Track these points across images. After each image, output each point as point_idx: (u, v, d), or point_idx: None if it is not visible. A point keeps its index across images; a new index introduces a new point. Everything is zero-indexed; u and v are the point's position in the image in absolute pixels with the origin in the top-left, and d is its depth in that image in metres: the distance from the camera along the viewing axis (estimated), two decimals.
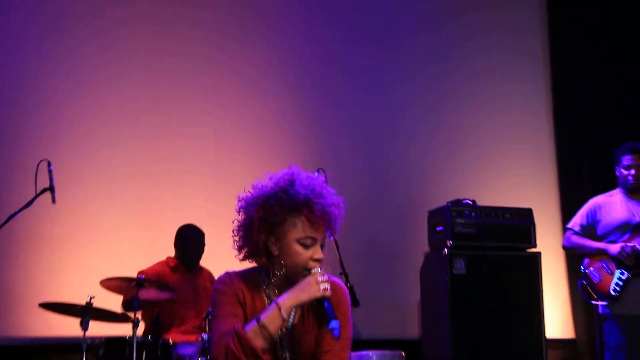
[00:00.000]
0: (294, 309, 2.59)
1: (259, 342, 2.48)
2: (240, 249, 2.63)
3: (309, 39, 6.87)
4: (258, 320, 2.49)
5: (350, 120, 6.80)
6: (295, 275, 2.57)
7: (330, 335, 2.53)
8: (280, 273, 2.61)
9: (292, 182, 2.57)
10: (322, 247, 2.60)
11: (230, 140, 6.40)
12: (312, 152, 6.46)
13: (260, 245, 2.59)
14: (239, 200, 2.63)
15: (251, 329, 2.49)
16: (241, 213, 2.62)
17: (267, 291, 2.63)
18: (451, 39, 7.18)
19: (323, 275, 2.53)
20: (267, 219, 2.55)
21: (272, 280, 2.63)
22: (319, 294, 2.50)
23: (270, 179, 2.61)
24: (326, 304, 2.50)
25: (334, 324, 2.46)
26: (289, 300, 2.51)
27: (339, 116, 6.78)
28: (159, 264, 5.41)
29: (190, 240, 5.45)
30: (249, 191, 2.62)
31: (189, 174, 6.25)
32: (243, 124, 6.47)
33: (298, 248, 2.54)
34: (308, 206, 2.52)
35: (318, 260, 2.56)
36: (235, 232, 2.64)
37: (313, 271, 2.54)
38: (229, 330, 2.50)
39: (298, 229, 2.54)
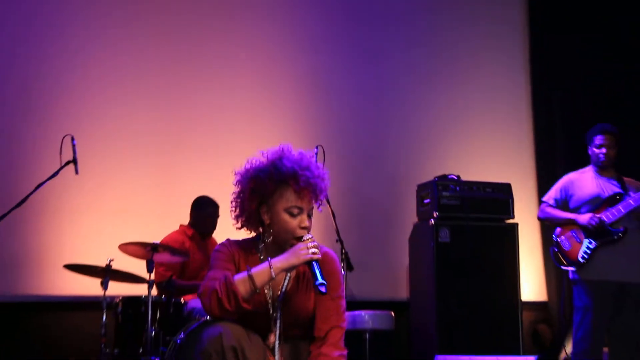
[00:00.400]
0: (288, 274, 2.66)
1: (242, 290, 2.49)
2: (237, 218, 2.71)
3: (307, 18, 6.84)
4: (248, 271, 2.54)
5: (347, 101, 6.79)
6: (284, 242, 2.62)
7: (326, 295, 2.59)
8: (272, 240, 2.67)
9: (280, 157, 2.62)
10: (309, 216, 2.64)
11: (235, 117, 6.39)
12: (312, 129, 6.47)
13: (253, 215, 2.67)
14: (235, 174, 2.69)
15: (240, 277, 2.53)
16: (237, 185, 2.68)
17: (261, 257, 2.68)
18: (441, 22, 7.15)
19: (313, 242, 2.57)
20: (258, 190, 2.62)
21: (263, 247, 2.69)
22: (307, 258, 2.53)
23: (263, 154, 2.68)
24: (315, 265, 2.54)
25: (320, 281, 2.50)
26: (280, 262, 2.54)
27: (337, 97, 6.76)
28: (176, 232, 5.42)
29: (205, 210, 5.44)
30: (244, 166, 2.69)
31: (204, 147, 6.24)
32: (246, 103, 6.46)
33: (286, 217, 2.60)
34: (294, 178, 2.57)
35: (305, 228, 2.61)
36: (232, 203, 2.71)
37: (304, 238, 2.59)
38: (219, 275, 2.55)
39: (285, 199, 2.60)
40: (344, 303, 2.69)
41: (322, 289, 2.50)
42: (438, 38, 7.13)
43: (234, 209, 2.70)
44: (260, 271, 2.53)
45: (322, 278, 2.50)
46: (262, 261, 2.63)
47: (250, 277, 2.51)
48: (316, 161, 2.70)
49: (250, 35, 6.60)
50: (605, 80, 6.94)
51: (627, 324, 5.06)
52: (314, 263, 2.54)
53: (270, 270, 2.52)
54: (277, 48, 6.67)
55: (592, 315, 5.01)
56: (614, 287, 5.03)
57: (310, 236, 2.60)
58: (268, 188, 2.61)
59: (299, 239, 2.60)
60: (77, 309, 5.70)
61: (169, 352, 4.35)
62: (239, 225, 2.72)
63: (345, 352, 2.62)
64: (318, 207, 2.71)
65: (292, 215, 2.60)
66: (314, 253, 2.54)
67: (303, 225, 2.61)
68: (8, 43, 5.99)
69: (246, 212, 2.67)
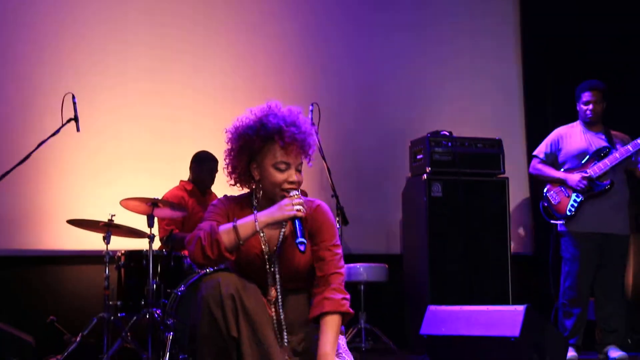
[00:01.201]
0: (282, 230, 2.68)
1: (226, 240, 2.50)
2: (229, 175, 2.72)
3: None
4: (234, 222, 2.54)
5: (342, 58, 6.74)
6: (274, 197, 2.62)
7: (321, 247, 2.64)
8: (262, 196, 2.68)
9: (267, 114, 2.62)
10: (298, 171, 2.64)
11: (233, 74, 6.34)
12: (308, 87, 6.45)
13: (243, 172, 2.68)
14: (225, 132, 2.69)
15: (225, 228, 2.53)
16: (228, 143, 2.69)
17: (254, 213, 2.64)
18: None
19: (299, 198, 2.56)
20: (246, 148, 2.63)
21: (256, 203, 2.70)
22: (291, 214, 2.52)
23: (251, 112, 2.66)
24: (297, 222, 2.53)
25: (300, 240, 2.49)
26: (265, 216, 2.54)
27: (332, 54, 6.71)
28: (176, 188, 5.42)
29: (205, 165, 5.43)
30: (233, 124, 2.68)
31: (204, 103, 6.21)
32: (243, 61, 6.42)
33: (274, 172, 2.60)
34: (280, 134, 2.57)
35: (293, 183, 2.61)
36: (224, 160, 2.72)
37: (291, 194, 2.58)
38: (206, 226, 2.56)
39: (272, 155, 2.60)
40: (340, 250, 2.69)
41: (302, 247, 2.49)
42: None
43: (226, 166, 2.72)
44: (245, 223, 2.53)
45: (302, 236, 2.50)
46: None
47: (235, 228, 2.52)
48: (305, 117, 2.67)
49: None
50: (596, 35, 6.90)
51: (612, 274, 5.15)
52: (297, 220, 2.53)
53: (255, 223, 2.52)
54: (273, 6, 6.60)
55: (579, 266, 5.10)
56: (600, 238, 5.11)
57: (297, 193, 2.59)
58: (256, 145, 2.61)
59: (287, 192, 2.60)
60: (81, 263, 5.74)
61: (170, 304, 4.43)
62: (232, 181, 2.73)
63: (348, 295, 2.62)
64: (308, 162, 2.70)
65: (280, 170, 2.60)
66: (298, 210, 2.53)
67: (290, 179, 2.60)
68: (8, 1, 5.94)
69: (237, 169, 2.68)
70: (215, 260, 2.51)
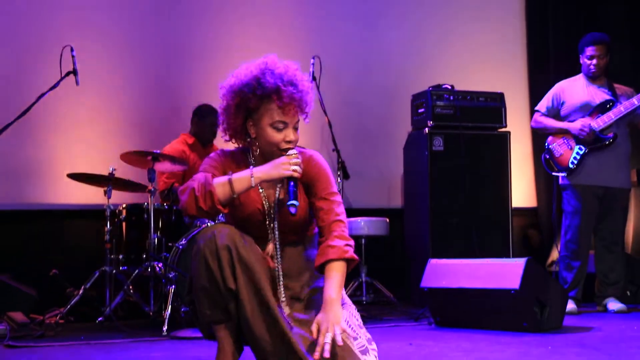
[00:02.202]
0: (278, 185, 2.65)
1: (219, 192, 2.47)
2: (225, 131, 2.68)
3: None
4: (230, 175, 2.52)
5: (344, 11, 6.69)
6: (270, 155, 2.60)
7: (319, 197, 2.62)
8: (259, 153, 2.65)
9: (264, 72, 2.56)
10: (295, 129, 2.60)
11: (233, 27, 6.26)
12: (309, 40, 6.38)
13: (239, 129, 2.64)
14: (220, 88, 2.64)
15: (220, 180, 2.51)
16: (222, 99, 2.64)
17: (250, 168, 2.60)
18: None
19: (297, 158, 2.53)
20: (243, 106, 2.58)
21: (252, 160, 2.68)
22: (287, 174, 2.50)
23: (247, 68, 2.60)
24: (291, 184, 2.51)
25: (291, 202, 2.48)
26: (261, 172, 2.51)
27: (334, 9, 6.65)
28: (177, 141, 5.40)
29: (206, 118, 5.39)
30: (227, 80, 2.63)
31: (204, 56, 6.16)
32: (244, 13, 6.34)
33: (271, 131, 2.57)
34: (277, 93, 2.53)
35: (290, 142, 2.58)
36: (220, 116, 2.68)
37: (289, 152, 2.55)
38: (201, 177, 2.53)
39: (270, 115, 2.55)
40: (338, 198, 2.67)
41: (292, 210, 2.49)
42: None
43: (221, 122, 2.67)
44: (240, 177, 2.50)
45: (295, 198, 2.49)
46: None
47: (230, 181, 2.49)
48: (302, 74, 2.61)
49: None
50: None
51: (613, 227, 5.14)
52: (292, 182, 2.51)
53: (250, 178, 2.50)
54: None
55: (580, 218, 5.09)
56: (601, 191, 5.09)
57: (295, 152, 2.56)
58: (252, 103, 2.56)
59: (284, 152, 2.57)
60: (82, 217, 5.75)
61: (172, 257, 4.45)
62: (227, 137, 2.69)
63: (351, 242, 2.59)
64: (305, 119, 2.66)
65: (277, 130, 2.56)
66: (294, 170, 2.51)
67: (288, 139, 2.57)
68: None
69: (233, 126, 2.64)
70: (208, 211, 2.48)
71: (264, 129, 2.58)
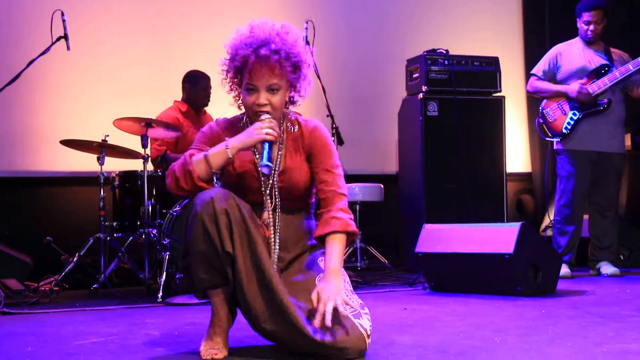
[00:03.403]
0: (279, 152, 2.64)
1: (198, 170, 2.51)
2: (234, 98, 2.70)
3: None
4: (206, 152, 2.54)
5: None
6: (253, 120, 2.60)
7: (321, 169, 2.62)
8: (247, 119, 2.67)
9: (241, 36, 2.56)
10: (273, 91, 2.55)
11: None
12: (302, 5, 6.32)
13: (237, 94, 2.67)
14: (222, 62, 2.65)
15: (197, 158, 2.53)
16: (222, 66, 2.65)
17: (226, 139, 2.60)
18: None
19: (270, 122, 2.52)
20: (231, 72, 2.62)
21: (241, 126, 2.67)
22: (260, 138, 2.50)
23: (237, 32, 2.60)
24: (264, 146, 2.51)
25: (264, 163, 2.49)
26: (236, 142, 2.52)
27: None
28: (170, 109, 5.31)
29: (197, 84, 5.33)
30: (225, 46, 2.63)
31: (195, 21, 6.11)
32: None
33: (245, 95, 2.58)
34: (248, 57, 2.52)
35: (260, 105, 2.55)
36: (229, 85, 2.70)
37: (262, 117, 2.54)
38: (183, 156, 2.57)
39: (244, 78, 2.57)
40: (340, 171, 2.68)
41: (265, 170, 2.52)
42: None
43: (228, 88, 2.69)
44: (216, 152, 2.53)
45: (269, 160, 2.49)
46: None
47: (206, 157, 2.52)
48: (286, 37, 2.56)
49: None
50: None
51: (607, 192, 5.15)
52: (266, 144, 2.51)
53: (227, 150, 2.51)
54: None
55: (574, 183, 5.09)
56: (595, 156, 5.09)
57: (268, 116, 2.55)
58: (236, 69, 2.59)
59: (259, 117, 2.56)
60: (75, 184, 5.74)
61: (166, 224, 4.43)
62: (235, 105, 2.71)
63: (352, 216, 2.62)
64: (293, 91, 2.63)
65: (250, 92, 2.56)
66: (267, 133, 2.50)
67: (257, 102, 2.55)
68: None
69: (234, 92, 2.67)
70: (190, 190, 2.53)
71: (243, 94, 2.61)
